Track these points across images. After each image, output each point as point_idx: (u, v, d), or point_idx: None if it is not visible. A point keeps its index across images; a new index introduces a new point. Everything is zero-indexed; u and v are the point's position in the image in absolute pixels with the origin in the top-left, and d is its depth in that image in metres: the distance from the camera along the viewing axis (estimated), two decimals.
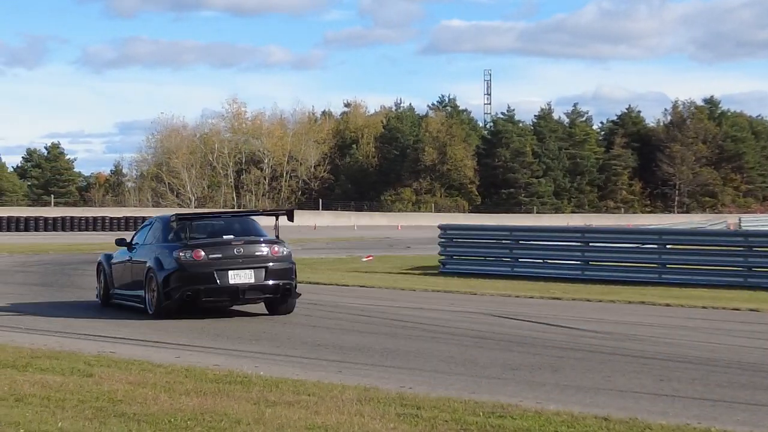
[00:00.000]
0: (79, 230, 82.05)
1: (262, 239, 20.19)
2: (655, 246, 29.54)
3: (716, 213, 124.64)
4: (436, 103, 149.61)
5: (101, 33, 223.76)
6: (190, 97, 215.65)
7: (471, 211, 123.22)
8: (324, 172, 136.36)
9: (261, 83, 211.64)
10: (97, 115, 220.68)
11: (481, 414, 9.91)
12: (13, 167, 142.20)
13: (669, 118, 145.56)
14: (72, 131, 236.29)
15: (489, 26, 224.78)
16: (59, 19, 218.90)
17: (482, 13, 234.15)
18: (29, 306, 22.49)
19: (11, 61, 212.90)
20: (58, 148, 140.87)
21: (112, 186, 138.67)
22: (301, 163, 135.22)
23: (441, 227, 33.95)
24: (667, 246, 29.43)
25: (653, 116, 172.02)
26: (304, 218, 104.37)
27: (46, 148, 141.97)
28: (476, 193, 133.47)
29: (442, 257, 33.03)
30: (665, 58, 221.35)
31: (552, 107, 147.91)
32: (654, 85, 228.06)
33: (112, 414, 9.86)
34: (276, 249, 19.90)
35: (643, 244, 30.46)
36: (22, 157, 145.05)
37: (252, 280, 19.44)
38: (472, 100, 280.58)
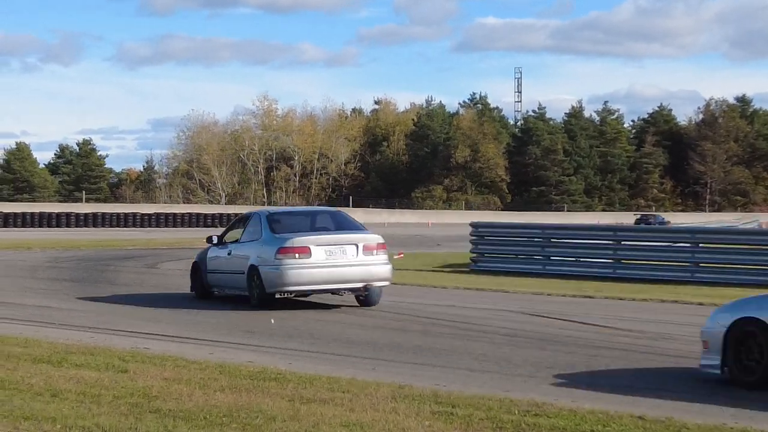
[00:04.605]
0: (110, 226, 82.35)
1: None
2: (688, 245, 29.40)
3: (748, 212, 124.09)
4: (467, 100, 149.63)
5: (136, 30, 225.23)
6: (222, 94, 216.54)
7: (502, 209, 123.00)
8: (354, 169, 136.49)
9: (292, 80, 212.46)
10: (130, 111, 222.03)
11: (516, 412, 9.87)
12: (45, 163, 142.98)
13: (701, 116, 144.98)
14: (105, 127, 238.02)
15: (523, 24, 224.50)
16: (95, 17, 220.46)
17: (517, 11, 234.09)
18: (62, 301, 22.60)
19: (47, 57, 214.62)
20: (90, 144, 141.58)
21: (143, 182, 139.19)
22: (331, 160, 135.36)
23: (472, 224, 33.92)
24: (700, 245, 29.26)
25: (685, 114, 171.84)
26: None
27: (77, 144, 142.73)
28: (507, 190, 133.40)
29: (474, 255, 33.00)
30: (699, 57, 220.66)
31: (583, 105, 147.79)
32: (687, 83, 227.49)
33: (148, 410, 9.86)
34: None
35: (676, 242, 30.32)
36: (54, 153, 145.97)
37: None
38: (503, 97, 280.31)
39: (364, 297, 21.23)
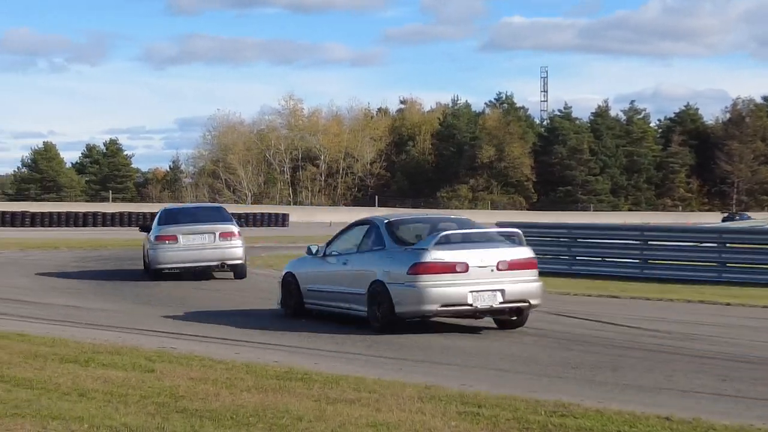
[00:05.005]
0: (137, 225, 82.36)
1: None
2: (715, 245, 29.19)
3: None
4: (492, 100, 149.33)
5: (163, 30, 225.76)
6: (248, 94, 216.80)
7: (528, 209, 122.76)
8: (380, 168, 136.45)
9: (318, 80, 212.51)
10: (157, 111, 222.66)
11: (542, 413, 9.85)
12: (71, 163, 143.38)
13: (728, 115, 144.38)
14: (132, 127, 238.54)
15: (549, 23, 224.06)
16: (122, 16, 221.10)
17: (543, 10, 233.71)
18: (89, 301, 22.67)
19: (74, 57, 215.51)
20: (116, 143, 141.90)
21: (170, 182, 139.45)
22: (357, 160, 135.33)
23: (498, 224, 33.79)
24: (727, 245, 29.06)
25: (712, 114, 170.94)
26: (361, 215, 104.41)
27: (104, 144, 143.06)
28: (533, 190, 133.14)
29: None
30: (726, 56, 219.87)
31: (609, 105, 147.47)
32: (714, 82, 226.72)
33: (174, 410, 9.89)
34: None
35: (703, 242, 30.13)
36: (81, 153, 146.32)
37: None
38: (529, 97, 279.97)
39: (236, 273, 27.86)
